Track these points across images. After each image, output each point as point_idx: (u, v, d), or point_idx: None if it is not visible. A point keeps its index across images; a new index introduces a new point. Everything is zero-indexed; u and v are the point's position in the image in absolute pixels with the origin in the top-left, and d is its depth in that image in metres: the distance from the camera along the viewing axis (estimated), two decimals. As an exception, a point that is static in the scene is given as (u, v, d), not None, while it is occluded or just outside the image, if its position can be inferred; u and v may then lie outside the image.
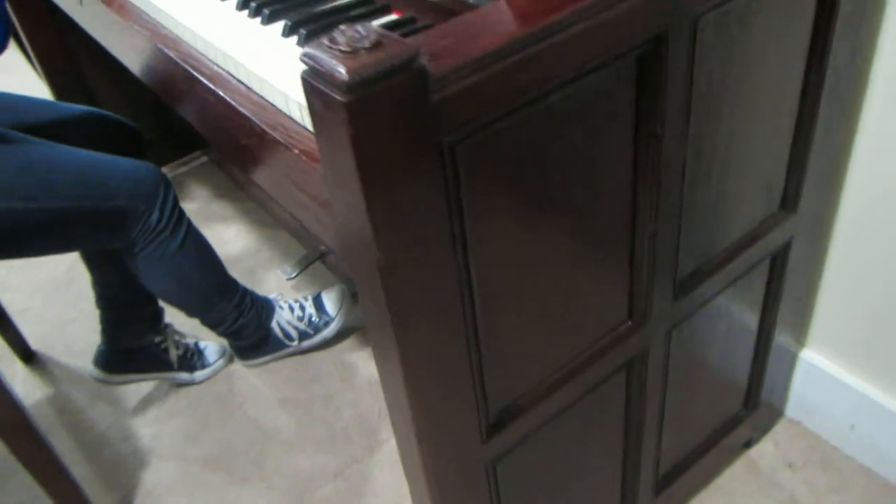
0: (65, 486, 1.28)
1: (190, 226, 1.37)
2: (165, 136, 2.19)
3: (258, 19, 0.87)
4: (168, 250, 1.33)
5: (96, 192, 1.23)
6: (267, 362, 1.66)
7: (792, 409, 1.37)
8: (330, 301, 1.65)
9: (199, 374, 1.63)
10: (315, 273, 1.83)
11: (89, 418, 1.60)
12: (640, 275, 0.86)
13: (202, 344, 1.66)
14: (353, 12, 0.84)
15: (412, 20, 0.81)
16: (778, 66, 0.86)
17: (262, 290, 1.72)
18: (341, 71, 0.51)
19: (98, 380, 1.60)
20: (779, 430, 1.37)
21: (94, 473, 1.50)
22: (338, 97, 0.52)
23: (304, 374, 1.64)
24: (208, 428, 1.56)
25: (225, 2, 0.93)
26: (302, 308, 1.64)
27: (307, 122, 0.70)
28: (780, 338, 1.20)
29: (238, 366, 1.67)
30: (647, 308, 0.89)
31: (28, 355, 1.75)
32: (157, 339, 1.58)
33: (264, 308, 1.60)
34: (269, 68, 0.76)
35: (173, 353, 1.59)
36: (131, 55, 1.06)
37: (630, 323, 0.90)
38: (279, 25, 0.84)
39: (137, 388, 1.65)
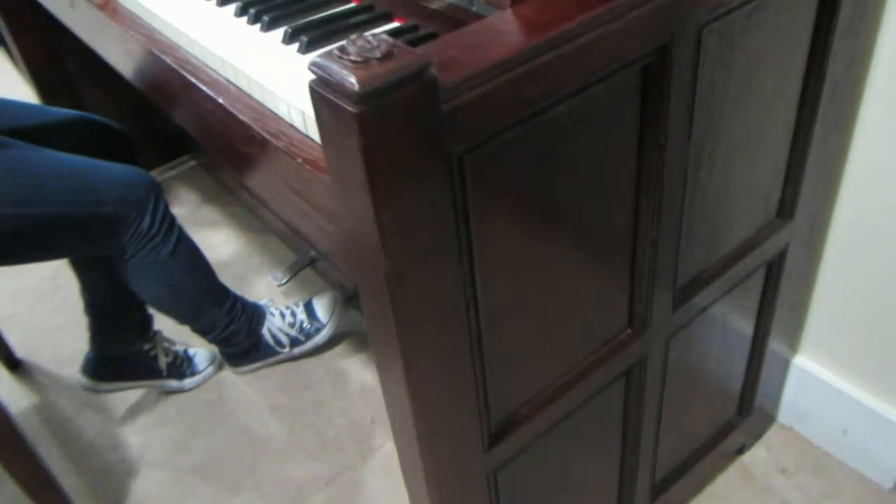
0: (53, 497, 1.27)
1: (181, 232, 1.36)
2: (153, 140, 2.17)
3: (257, 26, 0.86)
4: (159, 256, 1.31)
5: (87, 197, 1.22)
6: (257, 369, 1.64)
7: (784, 414, 1.37)
8: (321, 307, 1.64)
9: (188, 382, 1.62)
10: (305, 279, 1.82)
11: (77, 427, 1.58)
12: (641, 283, 0.86)
13: (191, 351, 1.64)
14: (354, 19, 0.84)
15: (415, 28, 0.81)
16: (777, 75, 0.87)
17: (252, 295, 1.71)
18: (352, 81, 0.50)
19: (86, 388, 1.58)
20: (771, 435, 1.38)
21: (83, 483, 1.48)
22: (349, 107, 0.51)
23: (295, 380, 1.62)
24: (198, 436, 1.54)
25: (223, 7, 0.92)
26: (293, 314, 1.63)
27: (310, 131, 0.70)
28: (774, 344, 1.21)
29: (228, 373, 1.66)
30: (647, 316, 0.89)
31: (13, 363, 1.73)
32: (147, 347, 1.56)
33: (255, 314, 1.59)
34: (271, 76, 0.75)
35: (162, 361, 1.58)
36: (125, 60, 1.04)
37: (630, 331, 0.90)
38: (279, 32, 0.83)
39: (126, 397, 1.63)
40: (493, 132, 0.61)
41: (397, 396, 0.71)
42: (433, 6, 0.82)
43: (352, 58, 0.52)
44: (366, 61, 0.52)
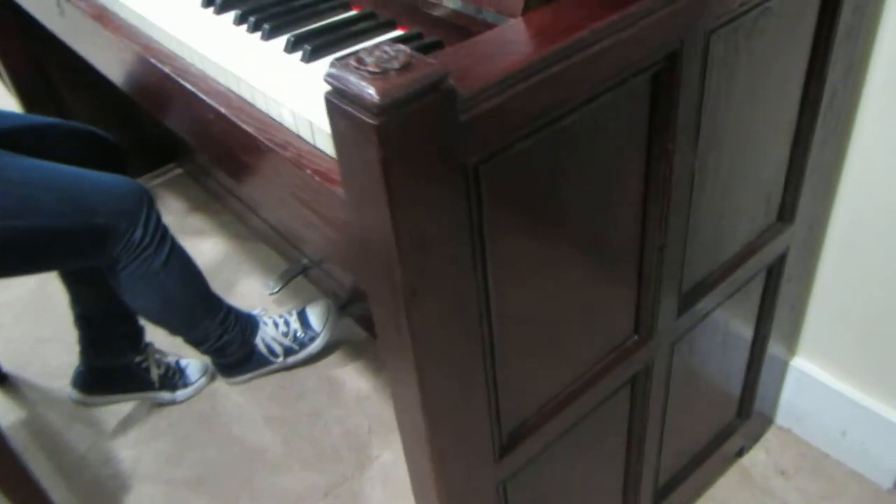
0: (46, 513, 1.24)
1: (174, 242, 1.34)
2: (138, 148, 2.14)
3: (258, 34, 0.85)
4: (152, 268, 1.29)
5: (78, 209, 1.19)
6: (250, 379, 1.63)
7: (782, 416, 1.38)
8: (315, 316, 1.63)
9: (180, 394, 1.60)
10: (297, 287, 1.80)
11: (67, 441, 1.56)
12: (648, 290, 0.85)
13: (183, 362, 1.62)
14: (357, 27, 0.83)
15: (420, 36, 0.80)
16: (780, 80, 0.87)
17: (242, 304, 1.68)
18: (371, 93, 0.50)
19: (77, 402, 1.55)
20: (769, 437, 1.38)
21: (74, 498, 1.45)
22: (368, 119, 0.50)
23: (289, 390, 1.61)
24: (191, 448, 1.52)
25: (221, 15, 0.91)
26: (287, 323, 1.61)
27: (319, 142, 0.69)
28: (773, 347, 1.21)
29: (221, 383, 1.64)
30: (653, 323, 0.89)
31: (0, 377, 1.69)
32: (138, 359, 1.54)
33: (248, 324, 1.57)
34: (275, 85, 0.74)
35: (154, 373, 1.55)
36: (119, 70, 1.03)
37: (636, 338, 0.90)
38: (281, 41, 0.82)
39: (117, 409, 1.60)
40: (508, 142, 0.60)
41: (410, 409, 0.70)
42: (436, 13, 0.81)
43: (370, 68, 0.51)
44: (384, 72, 0.51)
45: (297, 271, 1.74)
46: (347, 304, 1.71)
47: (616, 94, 0.67)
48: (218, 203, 2.14)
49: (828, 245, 1.16)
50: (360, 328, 1.71)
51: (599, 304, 0.82)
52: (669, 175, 0.77)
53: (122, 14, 0.98)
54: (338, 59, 0.75)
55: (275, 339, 1.59)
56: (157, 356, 1.57)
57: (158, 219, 1.30)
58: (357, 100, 0.50)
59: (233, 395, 1.61)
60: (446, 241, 0.59)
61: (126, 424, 1.57)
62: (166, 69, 0.86)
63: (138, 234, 1.26)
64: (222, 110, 0.77)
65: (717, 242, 0.93)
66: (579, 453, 0.94)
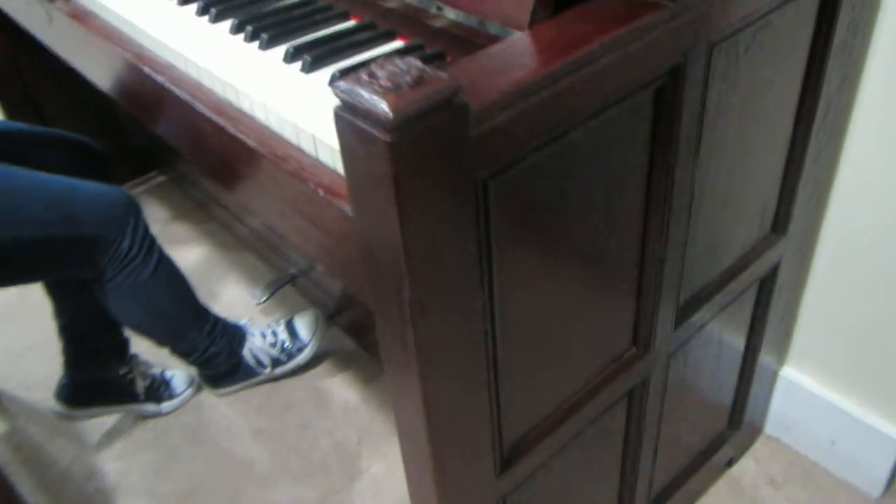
0: (30, 530, 1.22)
1: (161, 252, 1.32)
2: (120, 155, 2.11)
3: (255, 44, 0.84)
4: (140, 278, 1.27)
5: (64, 218, 1.17)
6: (238, 391, 1.60)
7: (771, 425, 1.39)
8: (303, 326, 1.61)
9: (166, 405, 1.57)
10: (284, 296, 1.78)
11: (50, 455, 1.53)
12: (647, 302, 0.85)
13: (168, 373, 1.59)
14: (356, 38, 0.82)
15: (421, 47, 0.79)
16: (776, 93, 0.87)
17: (229, 315, 1.66)
18: (384, 108, 0.49)
19: (60, 415, 1.52)
20: (758, 447, 1.39)
21: (58, 513, 1.42)
22: (381, 135, 0.49)
23: (276, 402, 1.59)
24: (178, 461, 1.49)
25: (216, 24, 0.90)
26: (274, 334, 1.59)
27: (321, 154, 0.68)
28: (764, 357, 1.21)
29: (207, 395, 1.61)
30: (651, 335, 0.89)
31: (-21, 389, 1.66)
32: (123, 371, 1.51)
33: (235, 335, 1.55)
34: (275, 97, 0.73)
35: (140, 384, 1.53)
36: (109, 79, 1.01)
37: (634, 350, 0.90)
38: (280, 50, 0.81)
39: (100, 422, 1.57)
40: (517, 156, 0.60)
41: (412, 424, 0.69)
42: (437, 24, 0.80)
43: (382, 83, 0.50)
44: (397, 87, 0.50)
45: (284, 281, 1.73)
46: (335, 314, 1.70)
47: (621, 107, 0.67)
48: (202, 211, 2.12)
49: (818, 255, 1.17)
50: (347, 338, 1.69)
51: (600, 318, 0.82)
52: (671, 188, 0.77)
53: (115, 23, 0.97)
54: (343, 71, 0.74)
55: (262, 350, 1.57)
56: (143, 368, 1.54)
57: (146, 229, 1.28)
58: (369, 115, 0.50)
59: (220, 406, 1.59)
60: (455, 255, 0.59)
61: (111, 437, 1.55)
62: (161, 79, 0.85)
63: (126, 244, 1.24)
64: (220, 122, 0.76)
65: (713, 254, 0.94)
66: (576, 466, 0.94)
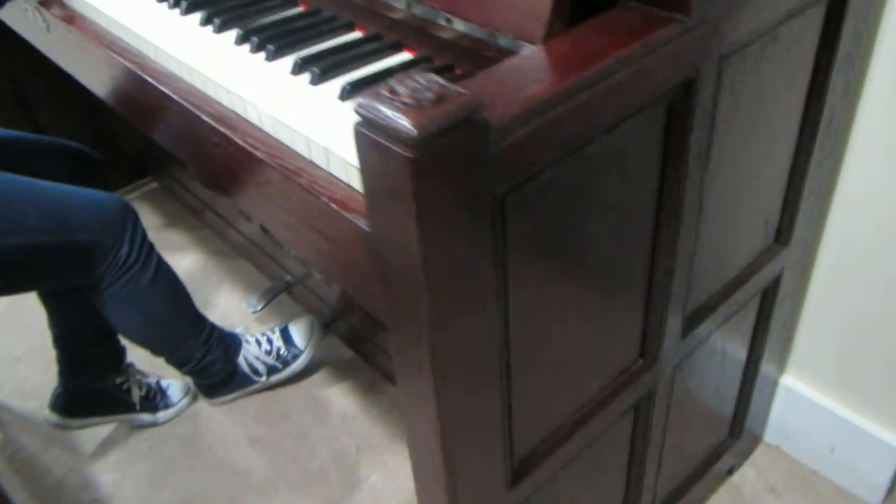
0: (25, 543, 1.20)
1: (160, 259, 1.31)
2: (112, 161, 2.09)
3: (261, 55, 0.83)
4: (138, 285, 1.26)
5: (61, 225, 1.16)
6: (234, 400, 1.59)
7: (771, 433, 1.39)
8: (298, 333, 1.60)
9: (161, 415, 1.56)
10: (279, 303, 1.77)
11: (44, 465, 1.51)
12: (656, 313, 0.85)
13: (164, 382, 1.58)
14: (364, 49, 0.81)
15: (429, 59, 0.79)
16: (782, 104, 0.88)
17: (224, 323, 1.65)
18: (407, 125, 0.48)
19: (55, 425, 1.51)
20: (758, 455, 1.39)
21: (52, 525, 1.41)
22: (403, 152, 0.49)
23: (273, 411, 1.58)
24: (174, 472, 1.48)
25: (220, 35, 0.89)
26: (269, 341, 1.58)
27: (333, 167, 0.67)
28: (765, 366, 1.22)
29: (203, 404, 1.60)
30: (659, 347, 0.89)
31: (-29, 399, 1.64)
32: (119, 380, 1.50)
33: (231, 344, 1.54)
34: (284, 109, 0.73)
35: (135, 394, 1.51)
36: (109, 87, 1.00)
37: (642, 362, 0.90)
38: (287, 62, 0.80)
39: (95, 432, 1.55)
40: (534, 171, 0.60)
41: (426, 439, 0.69)
42: (444, 36, 0.80)
43: (403, 100, 0.50)
44: (419, 104, 0.50)
45: (279, 288, 1.72)
46: (332, 322, 1.69)
47: (634, 121, 0.67)
48: (195, 218, 2.10)
49: (818, 265, 1.17)
50: (345, 347, 1.68)
51: (609, 330, 0.82)
52: (681, 200, 0.77)
53: (117, 31, 0.96)
54: (353, 84, 0.74)
55: (258, 358, 1.56)
56: (139, 377, 1.53)
57: (144, 235, 1.27)
58: (391, 132, 0.49)
59: (216, 416, 1.58)
60: (473, 270, 0.59)
61: (106, 447, 1.53)
62: (165, 89, 0.84)
63: (124, 250, 1.23)
64: (228, 134, 0.76)
65: (719, 265, 0.94)
66: (583, 478, 0.93)
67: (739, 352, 1.14)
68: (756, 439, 1.39)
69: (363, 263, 0.65)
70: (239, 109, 0.77)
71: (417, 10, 0.79)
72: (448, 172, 0.52)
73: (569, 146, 0.61)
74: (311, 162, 0.69)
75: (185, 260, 1.97)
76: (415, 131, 0.48)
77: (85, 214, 1.19)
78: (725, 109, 0.77)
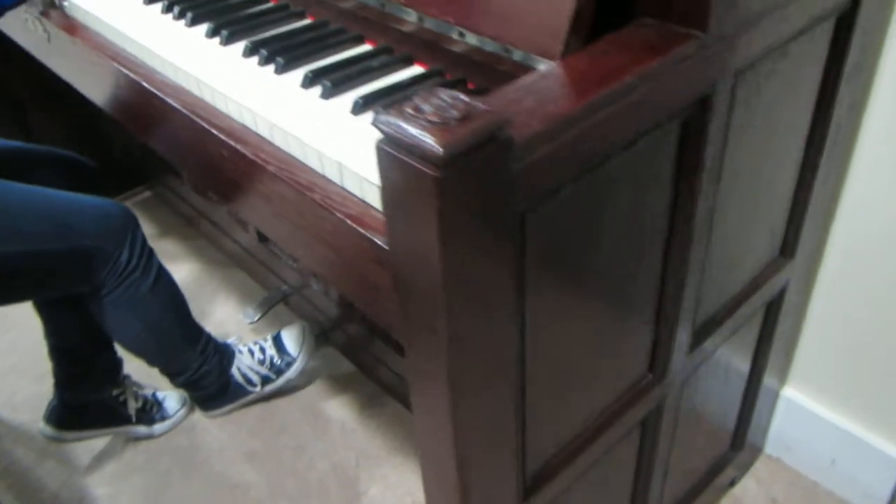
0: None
1: (160, 266, 1.30)
2: (106, 170, 2.07)
3: (270, 67, 0.82)
4: (139, 292, 1.25)
5: (61, 231, 1.15)
6: (230, 411, 1.58)
7: (772, 445, 1.39)
8: (290, 339, 1.58)
9: (158, 427, 1.54)
10: (276, 315, 1.75)
11: (38, 478, 1.49)
12: (665, 328, 0.85)
13: (161, 394, 1.56)
14: (375, 62, 0.81)
15: (441, 73, 0.79)
16: (790, 118, 0.88)
17: (220, 333, 1.63)
18: (432, 143, 0.48)
19: (50, 437, 1.49)
20: (759, 467, 1.39)
21: (47, 540, 1.39)
22: (429, 171, 0.48)
23: (270, 423, 1.56)
24: (170, 486, 1.46)
25: (228, 47, 0.88)
26: (262, 350, 1.56)
27: (346, 183, 0.67)
28: (767, 378, 1.22)
29: (199, 416, 1.58)
30: (667, 361, 0.89)
31: (-37, 411, 1.62)
32: (116, 392, 1.48)
33: (225, 354, 1.52)
34: (296, 123, 0.72)
35: (132, 406, 1.50)
36: (112, 99, 0.99)
37: (651, 377, 0.89)
38: (297, 75, 0.80)
39: (90, 445, 1.53)
40: (553, 189, 0.59)
41: (440, 455, 0.68)
42: (456, 49, 0.79)
43: (428, 118, 0.49)
44: (444, 122, 0.49)
45: (276, 299, 1.70)
46: (330, 332, 1.67)
47: (650, 137, 0.67)
48: (190, 227, 2.09)
49: (820, 277, 1.18)
50: (343, 358, 1.67)
51: (620, 344, 0.81)
52: (693, 214, 0.77)
53: (120, 42, 0.95)
54: (366, 98, 0.73)
55: (251, 368, 1.55)
56: (135, 389, 1.51)
57: (144, 241, 1.26)
58: (416, 150, 0.49)
59: (212, 428, 1.56)
60: (492, 286, 0.58)
61: (101, 460, 1.51)
62: (173, 102, 0.83)
63: (125, 256, 1.21)
64: (238, 147, 0.75)
65: (727, 278, 0.94)
66: (590, 493, 0.93)
67: (743, 365, 1.14)
68: (757, 451, 1.39)
69: (378, 279, 0.64)
70: (249, 123, 0.76)
71: (429, 24, 0.79)
72: (471, 190, 0.51)
73: (587, 163, 0.61)
74: (323, 177, 0.69)
75: (180, 269, 1.95)
76: (441, 150, 0.47)
77: (86, 220, 1.18)
78: (738, 124, 0.77)
